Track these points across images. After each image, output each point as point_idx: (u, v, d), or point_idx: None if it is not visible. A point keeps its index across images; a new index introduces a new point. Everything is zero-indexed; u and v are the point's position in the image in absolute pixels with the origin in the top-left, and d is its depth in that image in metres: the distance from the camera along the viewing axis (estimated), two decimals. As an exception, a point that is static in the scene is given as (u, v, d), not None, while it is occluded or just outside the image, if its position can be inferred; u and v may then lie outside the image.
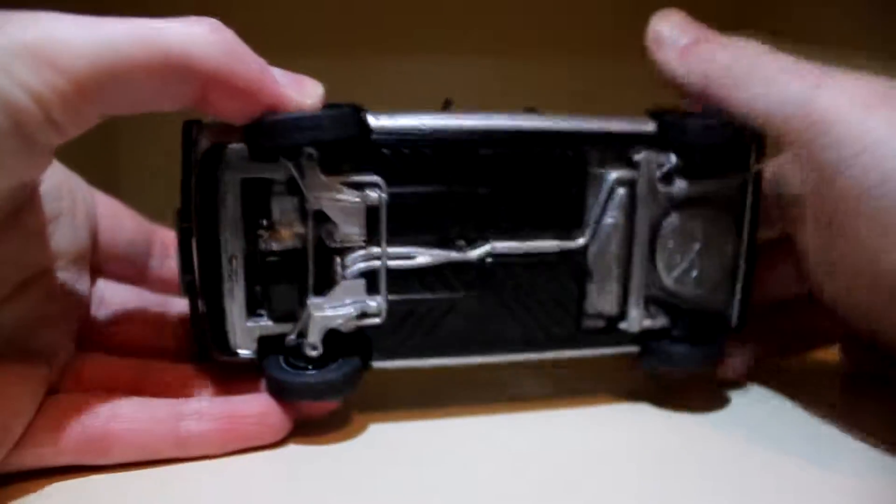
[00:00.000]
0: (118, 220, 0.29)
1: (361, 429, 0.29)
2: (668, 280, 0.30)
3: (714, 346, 0.30)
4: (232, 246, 0.26)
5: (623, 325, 0.30)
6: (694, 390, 0.33)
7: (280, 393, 0.26)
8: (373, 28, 0.51)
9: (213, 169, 0.25)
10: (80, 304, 0.27)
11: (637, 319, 0.29)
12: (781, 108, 0.26)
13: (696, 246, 0.30)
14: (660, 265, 0.29)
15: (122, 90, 0.21)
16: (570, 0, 0.51)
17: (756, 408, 0.31)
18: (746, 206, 0.30)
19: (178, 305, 0.29)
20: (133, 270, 0.30)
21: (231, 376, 0.28)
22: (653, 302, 0.30)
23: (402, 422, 0.30)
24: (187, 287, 0.27)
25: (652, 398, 0.32)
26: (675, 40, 0.29)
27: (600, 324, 0.30)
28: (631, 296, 0.29)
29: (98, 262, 0.28)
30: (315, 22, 0.50)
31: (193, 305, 0.27)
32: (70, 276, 0.26)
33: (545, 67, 0.48)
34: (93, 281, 0.29)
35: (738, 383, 0.33)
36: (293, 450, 0.27)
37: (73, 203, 0.26)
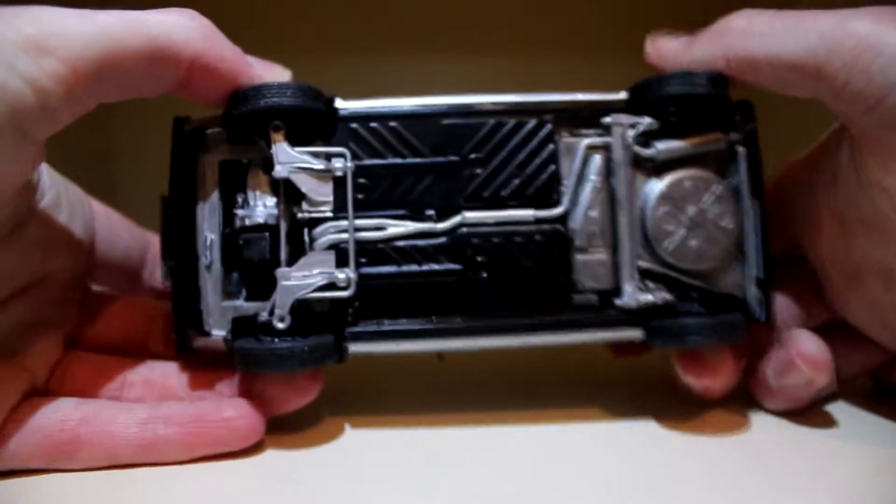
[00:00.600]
0: (114, 230, 0.30)
1: (338, 433, 0.27)
2: (664, 252, 0.27)
3: (731, 316, 0.26)
4: (209, 225, 0.27)
5: (619, 301, 0.27)
6: (711, 411, 0.29)
7: (245, 363, 0.25)
8: (377, 29, 0.54)
9: (194, 151, 0.27)
10: (72, 311, 0.28)
11: (632, 294, 0.27)
12: (818, 44, 0.24)
13: (690, 212, 0.28)
14: (651, 234, 0.27)
15: (115, 75, 0.23)
16: (580, 2, 0.53)
17: (780, 433, 0.27)
18: (741, 169, 0.28)
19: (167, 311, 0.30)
20: (126, 279, 0.31)
21: (214, 377, 0.28)
22: (652, 278, 0.28)
23: (383, 428, 0.27)
24: (170, 273, 0.27)
25: (662, 415, 0.28)
26: (676, 41, 0.29)
27: (593, 301, 0.27)
28: (623, 267, 0.27)
29: (93, 270, 0.30)
30: (318, 23, 0.53)
31: (176, 292, 0.27)
32: (65, 286, 0.28)
33: (552, 68, 0.48)
34: (87, 286, 0.30)
35: (758, 406, 0.29)
36: (265, 456, 0.26)
37: (71, 215, 0.28)
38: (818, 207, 0.28)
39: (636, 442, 0.26)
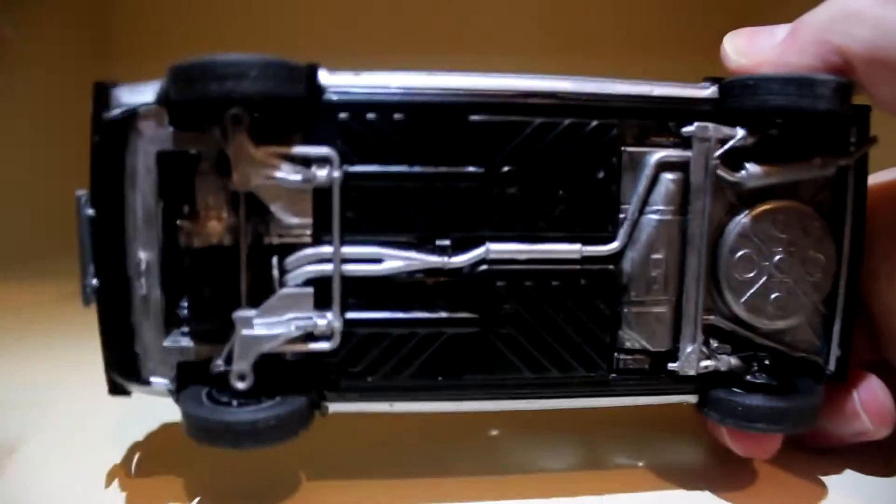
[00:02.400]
0: None
1: None
2: (736, 305, 0.22)
3: (806, 397, 0.21)
4: (143, 240, 0.20)
5: (674, 366, 0.21)
6: (772, 475, 0.24)
7: (194, 433, 0.19)
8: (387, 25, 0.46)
9: (122, 138, 0.20)
10: None
11: (693, 358, 0.21)
12: None
13: (776, 257, 0.21)
14: (724, 283, 0.21)
15: None
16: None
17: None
18: (847, 204, 0.22)
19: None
20: None
21: None
22: (716, 335, 0.22)
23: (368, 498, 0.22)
24: (95, 294, 0.21)
25: (721, 484, 0.23)
26: (770, 36, 0.22)
27: (643, 363, 0.22)
28: (684, 325, 0.21)
29: None
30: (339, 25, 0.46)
31: (104, 323, 0.21)
32: None
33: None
34: None
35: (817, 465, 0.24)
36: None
37: None
38: None
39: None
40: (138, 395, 0.27)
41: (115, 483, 0.22)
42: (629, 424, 0.27)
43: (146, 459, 0.24)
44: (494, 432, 0.27)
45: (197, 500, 0.22)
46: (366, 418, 0.24)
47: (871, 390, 0.23)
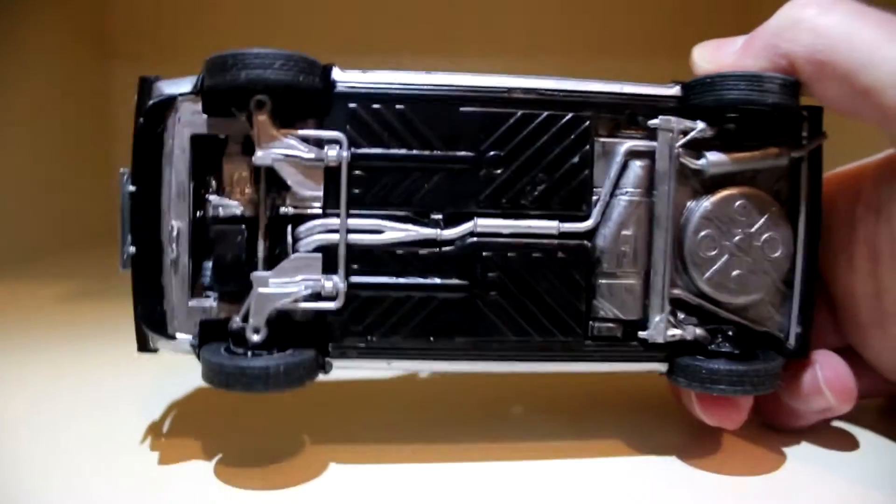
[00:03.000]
0: None
1: (319, 469, 0.24)
2: (701, 281, 0.24)
3: (765, 363, 0.23)
4: (176, 211, 0.23)
5: (643, 334, 0.24)
6: (739, 443, 0.26)
7: (211, 378, 0.22)
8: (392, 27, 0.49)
9: (161, 122, 0.23)
10: None
11: (661, 327, 0.24)
12: None
13: (736, 238, 0.24)
14: (689, 260, 0.24)
15: None
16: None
17: (813, 471, 0.24)
18: (801, 192, 0.24)
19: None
20: None
21: None
22: (684, 308, 0.24)
23: (371, 463, 0.24)
24: (130, 261, 0.23)
25: (688, 452, 0.25)
26: (733, 45, 0.25)
27: (615, 331, 0.24)
28: (653, 296, 0.24)
29: None
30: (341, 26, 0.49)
31: (137, 286, 0.24)
32: None
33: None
34: None
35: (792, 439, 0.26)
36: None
37: None
38: (854, 240, 0.25)
39: (656, 482, 0.23)
40: (139, 395, 0.30)
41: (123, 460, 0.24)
42: (609, 402, 0.29)
43: (173, 422, 0.27)
44: (518, 409, 0.29)
45: (218, 457, 0.24)
46: (368, 390, 0.26)
47: (833, 368, 0.24)
